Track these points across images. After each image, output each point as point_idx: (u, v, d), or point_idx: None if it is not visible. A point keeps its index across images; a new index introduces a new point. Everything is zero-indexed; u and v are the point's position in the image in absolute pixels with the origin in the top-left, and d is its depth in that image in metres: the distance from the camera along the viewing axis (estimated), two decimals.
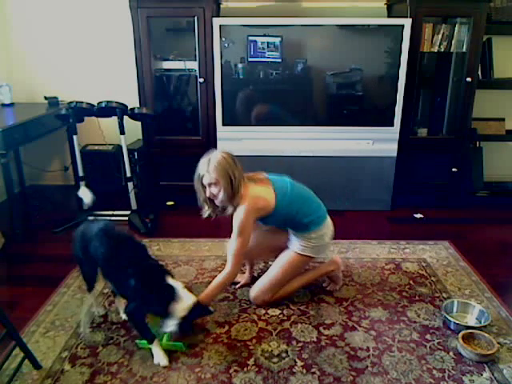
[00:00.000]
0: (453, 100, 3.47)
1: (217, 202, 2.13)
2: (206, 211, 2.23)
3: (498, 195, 3.66)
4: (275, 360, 1.91)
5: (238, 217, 2.08)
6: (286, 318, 2.18)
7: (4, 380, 1.75)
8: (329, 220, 2.29)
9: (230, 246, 2.14)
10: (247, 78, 3.26)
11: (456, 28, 3.22)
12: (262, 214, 2.13)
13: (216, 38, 3.10)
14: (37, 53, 3.69)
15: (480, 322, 2.11)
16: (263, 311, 2.23)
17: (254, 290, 2.28)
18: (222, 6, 3.41)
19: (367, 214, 3.40)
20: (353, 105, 3.37)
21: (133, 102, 3.31)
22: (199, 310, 1.93)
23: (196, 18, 3.14)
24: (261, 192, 2.13)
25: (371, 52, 3.20)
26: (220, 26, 3.08)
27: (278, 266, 2.26)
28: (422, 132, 3.54)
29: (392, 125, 3.27)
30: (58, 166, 3.92)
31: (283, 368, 1.86)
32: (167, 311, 1.85)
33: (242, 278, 2.48)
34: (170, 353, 1.94)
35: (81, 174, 3.32)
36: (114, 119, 3.13)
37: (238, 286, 2.45)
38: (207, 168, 2.09)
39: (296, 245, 2.24)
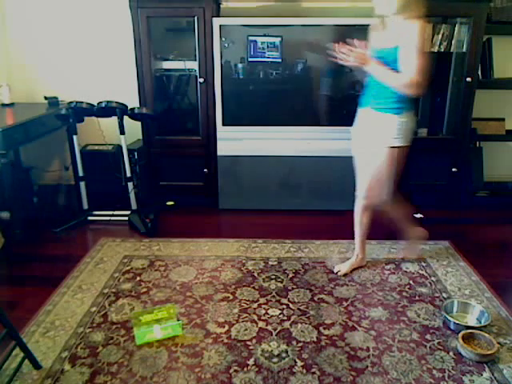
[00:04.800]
0: (453, 100, 3.47)
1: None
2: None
3: (498, 195, 3.66)
4: (275, 360, 1.91)
5: (414, 32, 2.07)
6: (286, 318, 2.18)
7: (4, 380, 1.75)
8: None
9: (410, 67, 2.09)
10: (247, 77, 3.26)
11: (456, 28, 3.22)
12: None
13: (216, 38, 3.10)
14: (37, 53, 3.68)
15: (480, 322, 2.11)
16: (263, 311, 2.23)
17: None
18: (222, 5, 3.40)
19: None
20: (353, 105, 3.36)
21: (133, 102, 3.31)
22: None
23: (196, 17, 3.14)
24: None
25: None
26: (220, 25, 3.08)
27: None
28: (422, 132, 3.53)
29: None
30: (58, 166, 3.91)
31: (283, 368, 1.86)
32: None
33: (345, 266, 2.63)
34: (170, 352, 1.95)
35: (81, 174, 3.32)
36: (114, 119, 3.14)
37: (341, 273, 2.59)
38: None
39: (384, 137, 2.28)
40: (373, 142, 2.33)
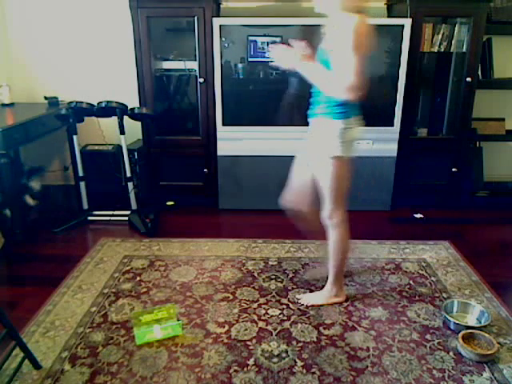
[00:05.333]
0: (453, 100, 3.47)
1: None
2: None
3: (497, 195, 3.66)
4: (275, 360, 1.91)
5: (350, 29, 1.81)
6: (286, 318, 2.18)
7: (4, 380, 1.75)
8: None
9: (345, 68, 1.83)
10: (247, 77, 3.26)
11: (456, 28, 3.22)
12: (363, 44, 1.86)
13: (216, 38, 3.10)
14: (37, 53, 3.68)
15: (480, 322, 2.11)
16: (263, 311, 2.23)
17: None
18: (222, 5, 3.41)
19: (367, 214, 3.40)
20: None
21: (133, 102, 3.31)
22: None
23: (196, 17, 3.14)
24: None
25: (371, 52, 3.19)
26: (220, 25, 3.08)
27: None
28: (422, 132, 3.54)
29: (392, 125, 3.27)
30: (58, 166, 3.91)
31: (283, 368, 1.86)
32: None
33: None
34: (170, 352, 1.95)
35: (81, 174, 3.32)
36: (114, 119, 3.14)
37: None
38: None
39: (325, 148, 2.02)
40: (317, 154, 2.08)
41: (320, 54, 2.02)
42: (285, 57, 2.01)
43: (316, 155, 2.10)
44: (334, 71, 1.88)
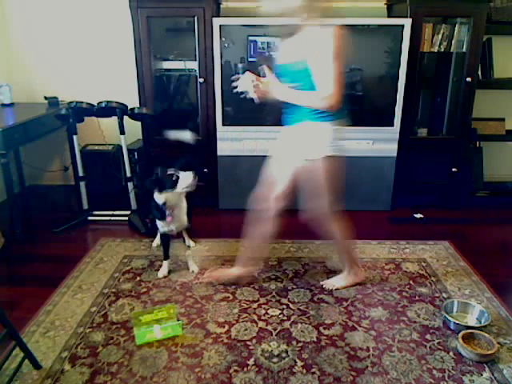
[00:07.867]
0: (453, 100, 3.47)
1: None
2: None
3: (498, 195, 3.66)
4: (275, 360, 1.91)
5: (328, 38, 1.84)
6: (286, 318, 2.18)
7: (4, 380, 1.75)
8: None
9: (326, 80, 1.88)
10: None
11: (456, 28, 3.22)
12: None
13: (216, 38, 3.10)
14: (37, 53, 3.68)
15: (480, 322, 2.11)
16: (263, 311, 2.23)
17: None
18: (222, 6, 3.41)
19: (367, 214, 3.40)
20: (353, 105, 3.36)
21: (133, 102, 3.31)
22: None
23: (196, 18, 3.14)
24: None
25: (371, 52, 3.20)
26: (220, 25, 3.08)
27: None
28: (422, 132, 3.54)
29: (392, 125, 3.27)
30: (58, 166, 3.92)
31: (283, 368, 1.86)
32: None
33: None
34: (170, 352, 1.95)
35: (81, 174, 3.32)
36: (114, 119, 3.14)
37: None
38: None
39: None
40: (304, 156, 2.14)
41: (282, 69, 2.06)
42: (255, 89, 2.08)
43: (302, 157, 2.14)
44: (317, 84, 1.92)
